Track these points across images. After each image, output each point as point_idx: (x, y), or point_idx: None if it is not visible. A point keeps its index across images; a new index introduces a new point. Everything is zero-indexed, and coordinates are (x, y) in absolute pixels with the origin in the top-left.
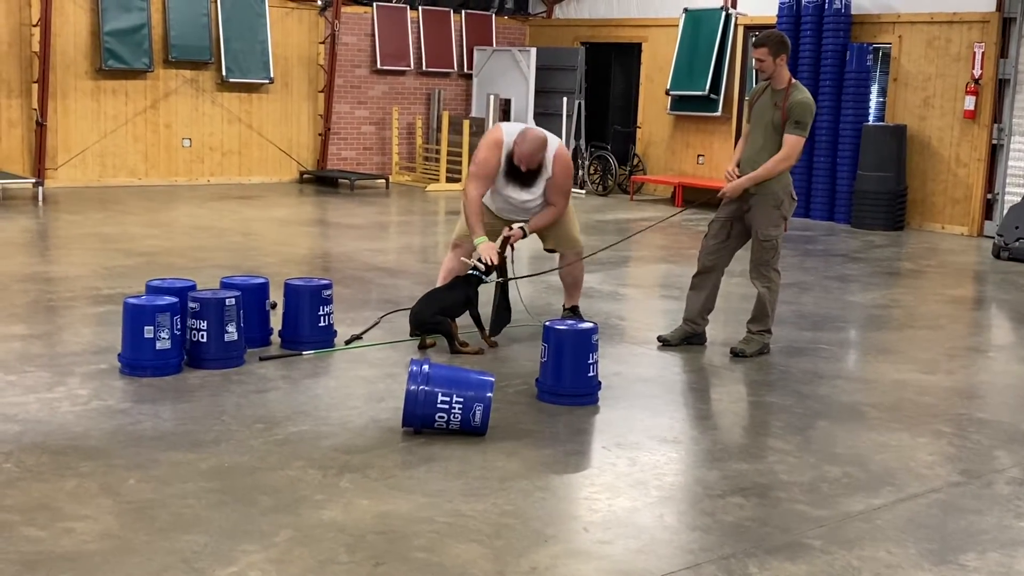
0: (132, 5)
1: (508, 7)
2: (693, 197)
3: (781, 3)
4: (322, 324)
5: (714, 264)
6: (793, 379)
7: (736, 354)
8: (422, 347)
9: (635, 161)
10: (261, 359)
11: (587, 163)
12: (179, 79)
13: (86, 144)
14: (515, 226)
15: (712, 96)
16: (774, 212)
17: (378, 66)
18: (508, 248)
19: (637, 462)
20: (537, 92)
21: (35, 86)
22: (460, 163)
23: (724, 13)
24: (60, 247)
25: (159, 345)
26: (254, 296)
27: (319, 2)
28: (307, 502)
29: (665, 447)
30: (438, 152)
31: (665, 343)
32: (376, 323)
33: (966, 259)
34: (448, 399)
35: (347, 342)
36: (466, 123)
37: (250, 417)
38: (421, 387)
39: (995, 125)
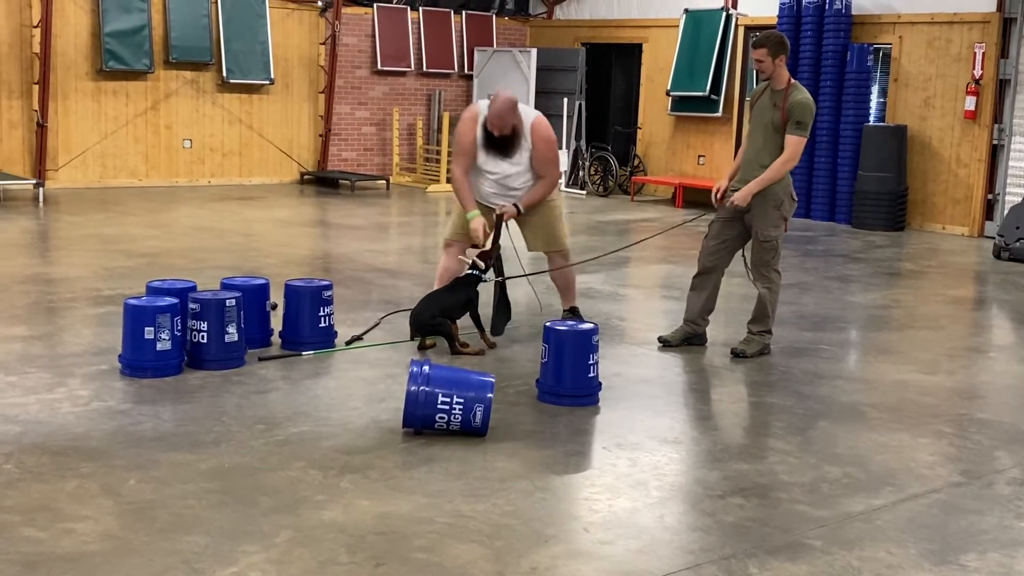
0: (133, 6)
1: (509, 8)
2: (695, 198)
3: (782, 3)
4: (322, 325)
5: (714, 265)
6: (794, 379)
7: (737, 355)
8: (422, 348)
9: (636, 162)
10: (260, 359)
11: (588, 164)
12: (180, 80)
13: (87, 145)
14: (508, 204)
15: (713, 97)
16: (774, 213)
17: (379, 67)
18: (504, 227)
19: (637, 462)
20: (538, 93)
21: (36, 87)
22: None
23: (725, 14)
24: (61, 248)
25: (159, 346)
26: (255, 297)
27: (320, 3)
28: (307, 503)
29: (666, 448)
30: (439, 153)
31: (666, 344)
32: (377, 324)
33: (967, 259)
34: (448, 400)
35: (348, 343)
36: None
37: (251, 418)
38: (421, 388)
39: (996, 125)
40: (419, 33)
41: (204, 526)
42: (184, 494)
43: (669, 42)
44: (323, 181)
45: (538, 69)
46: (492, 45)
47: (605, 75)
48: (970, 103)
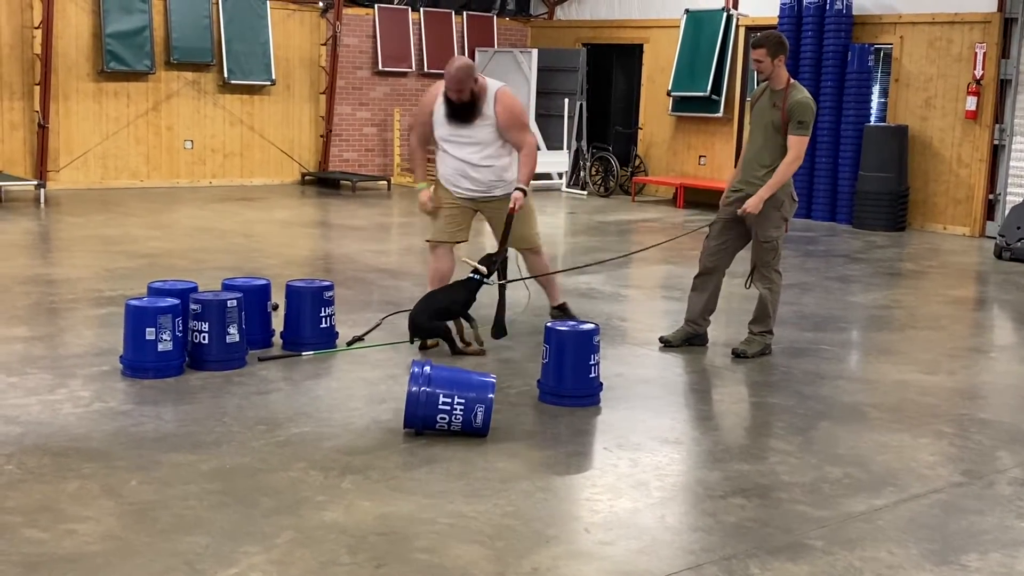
0: (134, 7)
1: (509, 8)
2: (696, 199)
3: (782, 4)
4: (324, 326)
5: (715, 265)
6: (795, 380)
7: (738, 355)
8: (423, 348)
9: (637, 162)
10: (260, 360)
11: (589, 164)
12: (181, 81)
13: (88, 146)
14: (514, 192)
15: (713, 97)
16: (775, 213)
17: (379, 68)
18: (512, 215)
19: (638, 463)
20: (538, 93)
21: (37, 88)
22: None
23: (725, 14)
24: (62, 249)
25: (161, 347)
26: (256, 298)
27: (320, 4)
28: (308, 503)
29: (667, 448)
30: None
31: (667, 344)
32: (378, 324)
33: (968, 259)
34: (449, 400)
35: (349, 343)
36: None
37: (252, 418)
38: (422, 388)
39: (997, 125)
40: (420, 34)
41: (205, 527)
42: (185, 495)
43: (670, 42)
44: (324, 182)
45: (539, 70)
46: (493, 46)
47: (606, 76)
48: (971, 103)
